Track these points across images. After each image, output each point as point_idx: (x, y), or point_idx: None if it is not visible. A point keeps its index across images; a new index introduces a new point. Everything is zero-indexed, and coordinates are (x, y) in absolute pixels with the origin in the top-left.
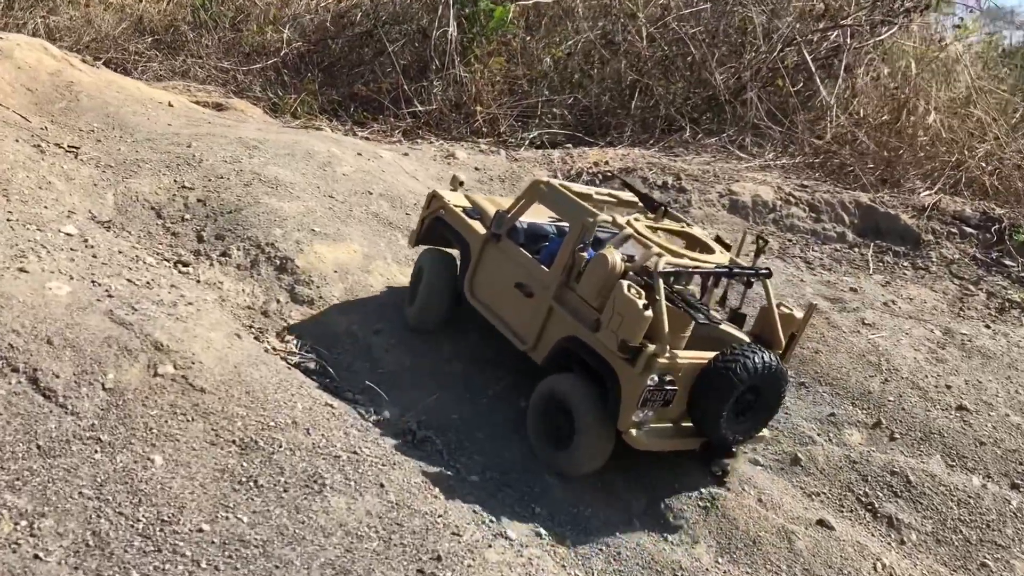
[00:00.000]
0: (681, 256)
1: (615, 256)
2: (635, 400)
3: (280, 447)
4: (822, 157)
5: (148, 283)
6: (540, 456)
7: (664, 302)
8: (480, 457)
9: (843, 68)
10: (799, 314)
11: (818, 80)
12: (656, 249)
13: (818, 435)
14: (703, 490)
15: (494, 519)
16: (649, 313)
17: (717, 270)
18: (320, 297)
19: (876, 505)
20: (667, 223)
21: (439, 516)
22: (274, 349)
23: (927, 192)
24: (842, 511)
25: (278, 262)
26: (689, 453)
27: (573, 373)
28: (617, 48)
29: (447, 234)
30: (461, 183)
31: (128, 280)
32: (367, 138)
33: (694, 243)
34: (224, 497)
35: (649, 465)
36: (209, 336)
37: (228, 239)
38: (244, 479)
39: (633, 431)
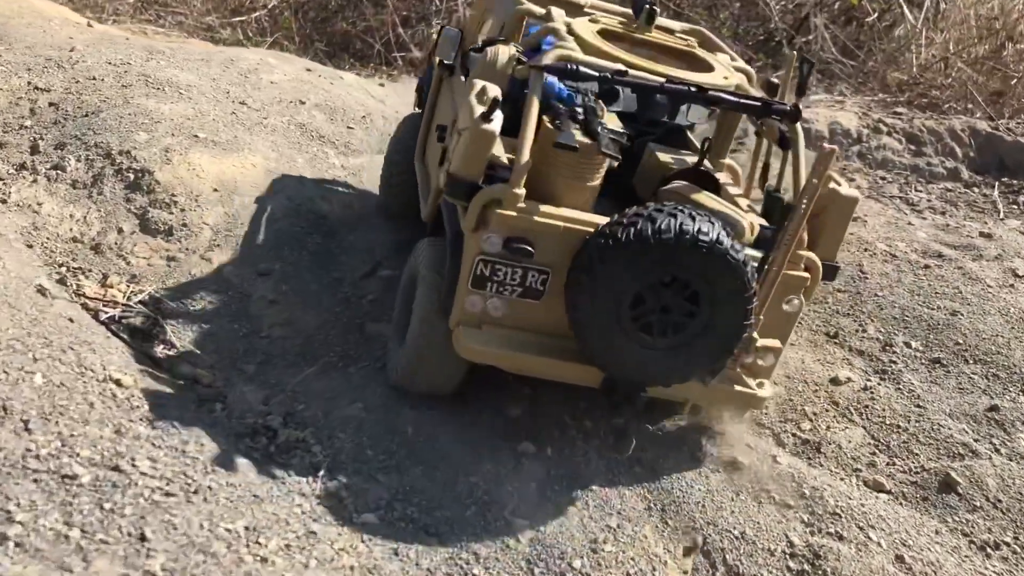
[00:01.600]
0: (614, 61)
1: (500, 50)
2: (466, 276)
3: None
4: (907, 95)
5: None
6: (388, 360)
7: (532, 115)
8: (389, 478)
9: None
10: (846, 191)
11: (903, 5)
12: (570, 46)
13: (976, 441)
14: (793, 538)
15: None
16: (491, 127)
17: (671, 87)
18: (184, 225)
19: None
20: (655, 35)
21: None
22: (79, 295)
23: None
24: None
25: (131, 176)
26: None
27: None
28: None
29: (427, 83)
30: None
31: None
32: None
33: (691, 64)
34: None
35: (699, 491)
36: None
37: (70, 147)
38: None
39: (463, 331)
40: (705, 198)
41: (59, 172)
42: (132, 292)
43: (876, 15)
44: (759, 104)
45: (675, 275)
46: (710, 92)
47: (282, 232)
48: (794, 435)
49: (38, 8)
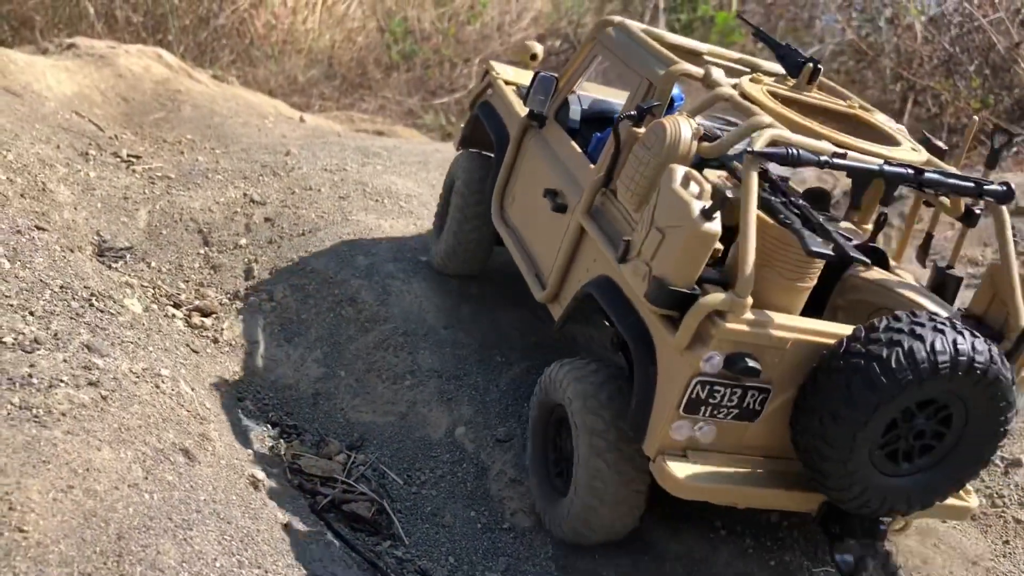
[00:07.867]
0: (817, 137)
1: (680, 124)
2: (675, 400)
3: None
4: None
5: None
6: (539, 510)
7: (751, 210)
8: None
9: None
10: None
11: None
12: (764, 118)
13: None
14: None
15: None
16: (713, 227)
17: (893, 171)
18: (411, 372)
19: None
20: (818, 95)
21: None
22: (294, 471)
23: None
24: None
25: (350, 310)
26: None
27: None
28: (879, 49)
29: (491, 127)
30: (534, 56)
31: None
32: None
33: (866, 132)
34: None
35: None
36: (90, 459)
37: (284, 273)
38: None
39: (668, 462)
40: (919, 295)
41: (273, 304)
42: (353, 464)
43: None
44: (972, 186)
45: (936, 399)
46: (927, 175)
47: (518, 383)
48: None
49: (252, 103)
